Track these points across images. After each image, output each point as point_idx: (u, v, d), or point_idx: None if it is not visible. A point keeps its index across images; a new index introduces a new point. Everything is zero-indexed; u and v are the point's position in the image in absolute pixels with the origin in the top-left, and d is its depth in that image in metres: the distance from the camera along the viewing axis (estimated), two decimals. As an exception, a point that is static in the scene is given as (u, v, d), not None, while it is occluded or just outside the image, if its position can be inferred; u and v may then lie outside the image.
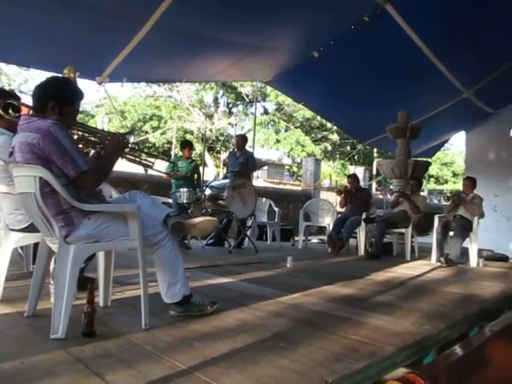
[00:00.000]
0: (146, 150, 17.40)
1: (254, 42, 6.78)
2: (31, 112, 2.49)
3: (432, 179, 32.09)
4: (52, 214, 2.13)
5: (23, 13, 5.03)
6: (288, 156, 23.74)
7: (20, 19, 5.15)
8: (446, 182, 32.68)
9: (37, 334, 2.13)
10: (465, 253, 5.62)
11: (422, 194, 6.98)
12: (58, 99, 2.28)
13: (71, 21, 5.36)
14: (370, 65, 7.43)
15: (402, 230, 6.08)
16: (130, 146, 2.69)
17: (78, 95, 2.43)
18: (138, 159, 2.93)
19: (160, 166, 5.78)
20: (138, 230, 2.23)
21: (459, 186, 27.52)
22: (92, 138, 2.70)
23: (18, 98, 2.95)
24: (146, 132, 20.87)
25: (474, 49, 6.72)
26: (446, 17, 6.19)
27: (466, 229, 5.58)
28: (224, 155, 21.58)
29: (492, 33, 6.24)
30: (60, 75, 4.75)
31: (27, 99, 3.27)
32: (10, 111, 2.74)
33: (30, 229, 2.72)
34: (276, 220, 7.37)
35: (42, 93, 2.30)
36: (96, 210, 2.20)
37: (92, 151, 2.75)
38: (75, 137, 2.54)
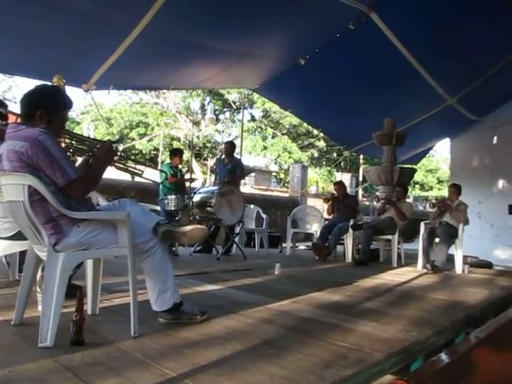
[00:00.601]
0: (132, 157, 17.30)
1: (242, 49, 6.82)
2: (19, 120, 2.48)
3: (417, 186, 32.44)
4: (41, 222, 2.12)
5: (7, 19, 5.00)
6: (275, 163, 23.83)
7: (3, 25, 5.11)
8: (431, 188, 33.05)
9: (24, 343, 2.11)
10: (450, 259, 5.67)
11: (407, 200, 7.05)
12: (47, 107, 2.27)
13: (57, 27, 5.34)
14: (356, 72, 7.52)
15: (389, 237, 6.12)
16: (118, 153, 2.70)
17: (67, 104, 2.43)
18: (127, 167, 2.94)
19: (149, 174, 5.77)
20: (127, 238, 2.23)
21: (444, 193, 27.85)
22: (80, 146, 2.70)
23: (6, 106, 2.94)
24: (133, 139, 20.79)
25: (457, 56, 6.84)
26: (429, 25, 6.30)
27: (451, 235, 5.64)
28: (211, 162, 21.58)
29: (475, 40, 6.35)
30: (48, 83, 4.74)
31: (12, 106, 3.27)
32: (-3, 119, 2.73)
33: (17, 237, 2.71)
34: (264, 227, 7.38)
35: (31, 101, 2.29)
36: (86, 217, 2.20)
37: (80, 159, 2.75)
38: (63, 145, 2.54)
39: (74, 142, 2.68)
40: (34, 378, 1.68)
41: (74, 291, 2.31)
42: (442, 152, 35.03)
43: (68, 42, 5.70)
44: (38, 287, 2.69)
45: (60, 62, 5.84)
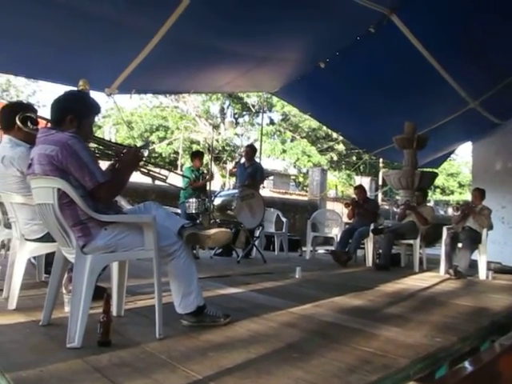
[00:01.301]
0: (152, 161, 17.46)
1: (262, 53, 6.85)
2: (49, 125, 2.53)
3: (438, 190, 32.00)
4: (70, 224, 2.17)
5: (33, 25, 5.11)
6: (294, 166, 23.80)
7: (30, 31, 5.23)
8: (452, 192, 32.56)
9: (53, 343, 2.15)
10: (473, 265, 5.59)
11: (428, 204, 6.97)
12: (77, 112, 2.33)
13: (81, 33, 5.44)
14: (377, 75, 7.47)
15: (411, 241, 6.07)
16: (144, 159, 2.74)
17: (96, 109, 2.48)
18: (151, 172, 2.98)
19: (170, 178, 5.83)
20: (153, 241, 2.26)
21: (465, 197, 27.44)
22: (107, 151, 2.75)
23: (36, 111, 3.00)
24: (153, 142, 20.99)
25: (480, 59, 6.75)
26: (452, 28, 6.22)
27: (474, 241, 5.56)
28: (230, 165, 21.65)
29: (499, 44, 6.27)
30: (73, 87, 4.84)
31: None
32: (29, 124, 2.79)
33: (45, 239, 2.76)
34: (284, 230, 7.38)
35: (61, 106, 2.35)
36: (113, 220, 2.24)
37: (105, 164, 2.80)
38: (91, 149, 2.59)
39: (101, 147, 2.74)
40: (65, 378, 1.72)
41: (99, 293, 2.35)
42: (463, 156, 34.46)
43: (92, 47, 5.81)
44: (63, 289, 2.74)
45: (84, 67, 5.96)
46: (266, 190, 21.39)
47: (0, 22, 4.94)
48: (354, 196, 7.47)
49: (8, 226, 3.31)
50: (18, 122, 2.80)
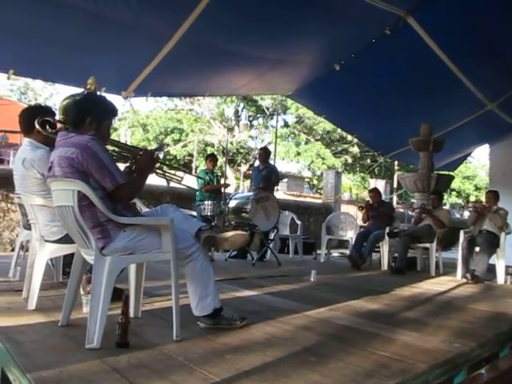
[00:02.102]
0: (167, 163, 17.56)
1: (276, 56, 6.86)
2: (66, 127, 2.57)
3: (454, 193, 31.68)
4: (89, 226, 2.19)
5: (50, 28, 5.19)
6: (308, 169, 23.77)
7: (47, 35, 5.31)
8: (468, 195, 32.19)
9: (72, 344, 2.17)
10: (491, 269, 5.51)
11: (444, 207, 6.90)
12: (96, 115, 2.36)
13: (98, 37, 5.50)
14: (392, 77, 7.43)
15: (427, 245, 6.01)
16: (159, 161, 2.76)
17: (114, 111, 2.51)
18: (167, 174, 3.01)
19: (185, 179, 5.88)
20: (171, 243, 2.28)
21: (481, 200, 27.04)
22: (124, 153, 2.78)
23: (54, 115, 3.05)
24: (168, 145, 21.13)
25: (497, 61, 6.67)
26: (468, 29, 6.17)
27: (492, 244, 5.49)
28: (244, 168, 21.68)
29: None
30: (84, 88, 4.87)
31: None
32: (47, 127, 2.83)
33: (64, 240, 2.80)
34: (298, 233, 7.37)
35: (80, 109, 2.39)
36: (132, 222, 2.26)
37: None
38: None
39: (118, 149, 2.77)
40: (84, 379, 1.74)
41: (116, 294, 2.37)
42: (479, 158, 34.14)
43: (109, 50, 5.88)
44: (82, 290, 2.77)
45: (100, 70, 6.00)
46: (280, 192, 21.38)
47: (18, 26, 5.02)
48: (368, 199, 7.42)
49: (27, 227, 3.36)
50: (36, 126, 2.84)
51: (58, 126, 2.96)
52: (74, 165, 2.18)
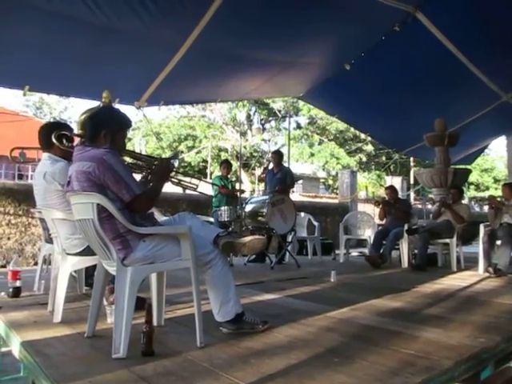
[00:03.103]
0: (181, 170, 17.69)
1: (287, 58, 6.89)
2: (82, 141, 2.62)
3: (472, 186, 31.27)
4: (110, 238, 2.23)
5: (63, 43, 5.28)
6: (323, 169, 23.70)
7: (60, 50, 5.40)
8: (487, 188, 31.73)
9: (99, 354, 2.21)
10: (513, 262, 5.44)
11: (463, 202, 6.83)
12: (110, 128, 2.40)
13: (110, 49, 5.60)
14: (403, 74, 7.41)
15: (447, 240, 5.95)
16: (174, 169, 2.79)
17: (128, 122, 2.55)
18: (182, 182, 3.04)
19: (200, 186, 5.93)
20: (190, 251, 2.30)
21: (501, 193, 26.67)
22: (139, 163, 2.82)
23: (71, 129, 3.12)
24: (182, 151, 21.28)
25: (510, 50, 6.59)
26: (478, 20, 6.11)
27: (514, 237, 5.41)
28: (258, 171, 21.72)
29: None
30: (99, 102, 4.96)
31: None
32: (64, 141, 2.89)
33: (85, 252, 2.85)
34: (316, 234, 7.35)
35: (95, 122, 2.43)
36: (151, 232, 2.29)
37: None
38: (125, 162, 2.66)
39: (133, 160, 2.81)
40: (113, 388, 1.77)
41: (139, 303, 2.41)
42: (497, 150, 33.72)
43: (121, 62, 5.97)
44: (105, 300, 2.81)
45: (113, 82, 6.10)
46: (296, 194, 21.37)
47: (32, 43, 5.13)
48: (384, 196, 7.38)
49: (49, 241, 3.43)
50: (53, 140, 2.91)
51: (76, 139, 3.03)
52: (92, 178, 2.22)
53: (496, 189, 30.57)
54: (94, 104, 5.91)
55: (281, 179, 6.74)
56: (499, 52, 6.62)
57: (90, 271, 3.55)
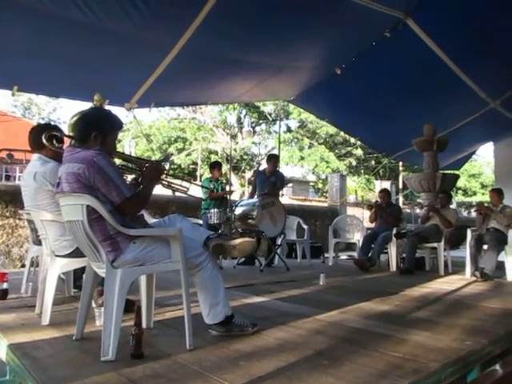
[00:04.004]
0: (171, 172, 17.63)
1: (278, 62, 6.92)
2: (73, 143, 2.61)
3: (460, 191, 31.57)
4: (99, 239, 2.22)
5: (53, 44, 5.26)
6: (313, 173, 23.78)
7: (50, 50, 5.37)
8: (475, 193, 32.09)
9: (88, 357, 2.19)
10: (500, 266, 5.50)
11: (451, 207, 6.90)
12: (101, 129, 2.38)
13: (101, 50, 5.58)
14: (393, 79, 7.48)
15: (435, 245, 6.01)
16: (165, 172, 2.79)
17: (118, 124, 2.54)
18: (173, 185, 3.04)
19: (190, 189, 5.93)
20: (180, 253, 2.30)
21: (488, 198, 26.96)
22: (130, 165, 2.82)
23: (62, 131, 3.12)
24: (172, 154, 21.23)
25: (498, 58, 6.68)
26: (468, 28, 6.20)
27: (500, 241, 5.47)
28: (249, 174, 21.72)
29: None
30: (91, 103, 4.94)
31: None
32: (54, 142, 2.88)
33: (75, 254, 2.84)
34: (305, 237, 7.37)
35: (86, 124, 2.41)
36: (141, 234, 2.29)
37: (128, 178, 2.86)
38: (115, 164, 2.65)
39: (124, 162, 2.81)
40: (101, 391, 1.76)
41: (128, 306, 2.40)
42: (484, 156, 34.08)
43: (111, 63, 5.95)
44: (93, 303, 2.80)
45: (103, 83, 6.08)
46: (286, 197, 21.40)
47: (21, 43, 5.10)
48: (375, 199, 7.42)
49: (37, 242, 3.40)
50: (43, 140, 2.89)
51: (67, 141, 3.01)
52: (81, 180, 2.20)
53: (483, 194, 30.93)
54: (84, 105, 5.89)
55: (274, 183, 6.74)
56: (488, 60, 6.71)
57: (78, 273, 3.53)
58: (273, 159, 7.17)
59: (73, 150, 2.37)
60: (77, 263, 2.91)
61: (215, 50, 6.14)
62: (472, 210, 6.37)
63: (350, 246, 9.42)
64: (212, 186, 6.94)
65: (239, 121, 22.88)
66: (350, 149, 21.99)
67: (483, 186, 31.88)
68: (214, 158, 20.98)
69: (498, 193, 5.94)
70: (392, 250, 6.35)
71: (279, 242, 6.94)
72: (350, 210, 14.37)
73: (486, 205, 5.93)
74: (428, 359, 2.16)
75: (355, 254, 7.58)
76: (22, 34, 4.91)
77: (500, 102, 7.79)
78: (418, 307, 3.59)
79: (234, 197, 9.17)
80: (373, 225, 7.09)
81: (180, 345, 2.33)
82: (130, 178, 2.85)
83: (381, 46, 6.66)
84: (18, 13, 4.53)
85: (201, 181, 16.12)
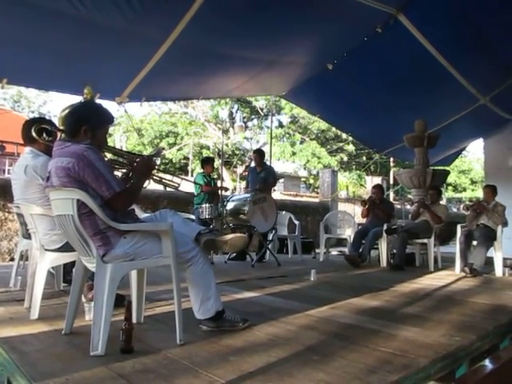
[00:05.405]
0: (162, 167, 17.57)
1: (269, 57, 6.89)
2: (63, 136, 2.58)
3: (450, 187, 31.80)
4: (90, 234, 2.20)
5: (43, 36, 5.19)
6: (304, 168, 23.81)
7: (39, 43, 5.30)
8: (465, 189, 32.35)
9: (77, 351, 2.18)
10: (489, 262, 5.55)
11: (441, 203, 6.94)
12: (91, 123, 2.36)
13: (91, 43, 5.50)
14: (385, 75, 7.47)
15: (425, 241, 6.04)
16: (156, 167, 2.77)
17: (109, 119, 2.52)
18: (164, 180, 3.02)
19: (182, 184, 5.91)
20: (171, 248, 2.29)
21: (478, 194, 27.23)
22: (121, 160, 2.79)
23: (53, 124, 3.09)
24: (163, 148, 21.14)
25: (489, 54, 6.71)
26: (459, 24, 6.20)
27: (489, 238, 5.53)
28: (240, 169, 21.70)
29: (507, 37, 6.23)
30: (81, 97, 4.90)
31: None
32: (44, 135, 2.85)
33: (64, 248, 2.82)
34: (297, 233, 7.38)
35: (76, 118, 2.39)
36: (132, 229, 2.27)
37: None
38: (105, 159, 2.63)
39: (114, 156, 2.78)
40: (91, 386, 1.75)
41: (118, 301, 2.39)
42: (474, 152, 34.36)
43: (102, 56, 5.87)
44: (83, 297, 2.78)
45: (94, 77, 6.01)
46: (277, 192, 21.41)
47: (10, 35, 5.02)
48: (369, 195, 7.42)
49: (27, 236, 3.37)
50: (33, 133, 2.87)
51: (58, 134, 2.99)
52: (71, 174, 2.18)
53: (473, 190, 31.21)
54: (74, 99, 5.84)
55: (264, 178, 6.74)
56: (478, 56, 6.73)
57: (68, 268, 3.51)
58: (256, 154, 7.17)
59: (63, 143, 2.35)
60: (67, 257, 2.90)
61: (207, 45, 6.09)
62: (464, 207, 6.32)
63: (340, 242, 9.45)
64: (205, 181, 6.94)
65: (231, 116, 22.82)
66: (341, 144, 22.06)
67: (473, 182, 32.17)
68: (205, 152, 20.93)
69: (492, 189, 5.97)
70: (382, 245, 6.37)
71: (270, 237, 6.95)
72: (342, 206, 14.42)
73: (482, 203, 5.94)
74: (417, 355, 2.17)
75: (346, 250, 7.62)
76: (11, 25, 4.83)
77: (490, 98, 7.83)
78: (408, 303, 3.61)
79: (227, 192, 9.16)
80: (364, 220, 7.11)
81: (170, 340, 2.32)
82: (120, 173, 2.83)
83: (372, 42, 6.64)
84: (6, 4, 4.45)
85: (192, 176, 16.07)
